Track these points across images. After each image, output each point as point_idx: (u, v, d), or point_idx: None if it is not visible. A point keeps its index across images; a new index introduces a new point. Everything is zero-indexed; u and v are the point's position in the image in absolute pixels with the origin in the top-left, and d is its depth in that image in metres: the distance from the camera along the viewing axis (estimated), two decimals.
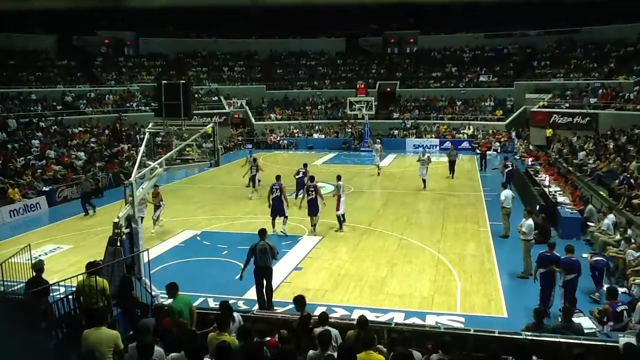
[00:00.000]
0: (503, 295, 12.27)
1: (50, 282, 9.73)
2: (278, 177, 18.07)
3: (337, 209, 17.68)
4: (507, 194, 16.75)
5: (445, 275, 13.58)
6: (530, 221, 13.55)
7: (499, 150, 36.88)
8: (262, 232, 11.76)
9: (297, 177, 21.38)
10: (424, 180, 24.87)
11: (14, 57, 39.41)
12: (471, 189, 23.97)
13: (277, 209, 17.25)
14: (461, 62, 48.26)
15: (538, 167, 26.00)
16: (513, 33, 47.63)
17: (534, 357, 7.07)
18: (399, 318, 10.87)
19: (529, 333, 8.32)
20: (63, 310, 8.58)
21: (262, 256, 11.39)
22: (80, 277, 8.98)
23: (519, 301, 11.48)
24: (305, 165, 21.95)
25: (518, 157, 33.23)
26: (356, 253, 14.64)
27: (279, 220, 17.31)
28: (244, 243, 16.28)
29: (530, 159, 28.89)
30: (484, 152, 30.61)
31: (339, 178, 18.32)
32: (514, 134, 38.59)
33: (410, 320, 10.72)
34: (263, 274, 11.50)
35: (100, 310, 7.33)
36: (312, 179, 18.27)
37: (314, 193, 17.16)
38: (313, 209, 17.29)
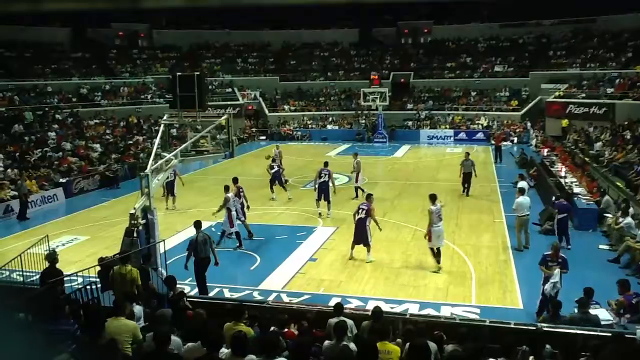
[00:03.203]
0: (519, 286, 12.22)
1: (68, 273, 9.88)
2: (326, 164, 18.84)
3: (356, 182, 20.67)
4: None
5: (460, 267, 13.54)
6: (520, 199, 14.74)
7: (514, 141, 36.54)
8: (198, 224, 11.93)
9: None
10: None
11: (30, 49, 39.73)
12: (486, 180, 23.78)
13: (325, 193, 18.10)
14: (476, 52, 47.88)
15: (554, 158, 25.77)
16: (528, 23, 47.13)
17: (547, 346, 7.06)
18: (413, 309, 10.88)
19: (545, 324, 8.29)
20: (81, 299, 8.69)
21: (203, 247, 11.58)
22: (115, 267, 9.16)
23: (535, 292, 11.39)
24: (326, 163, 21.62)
25: (534, 148, 32.93)
26: (371, 243, 14.60)
27: (323, 203, 18.24)
28: (258, 234, 16.47)
29: (546, 150, 28.62)
30: (499, 144, 30.30)
31: (356, 155, 21.18)
32: (529, 124, 38.25)
33: (425, 311, 10.72)
34: (205, 264, 11.65)
35: (119, 300, 7.40)
36: (325, 164, 18.87)
37: (327, 177, 17.97)
38: (326, 193, 18.02)
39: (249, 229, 16.13)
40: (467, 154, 22.07)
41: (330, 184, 18.21)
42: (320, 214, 18.50)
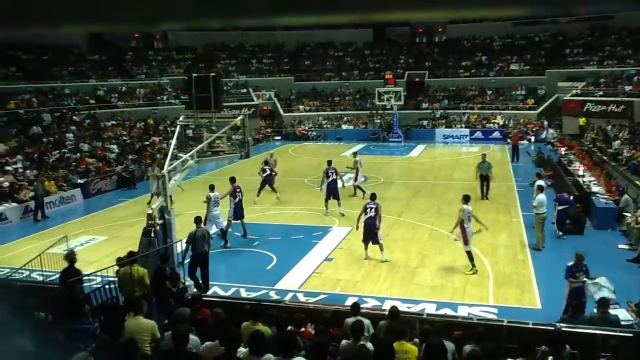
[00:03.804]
0: (537, 286, 12.13)
1: (86, 273, 9.99)
2: (330, 162, 18.86)
3: (355, 180, 20.97)
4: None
5: (477, 266, 13.44)
6: (540, 196, 14.61)
7: (531, 140, 36.19)
8: (198, 220, 12.16)
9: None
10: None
11: (47, 52, 40.17)
12: (503, 179, 23.59)
13: (334, 191, 18.31)
14: (491, 50, 47.53)
15: (571, 156, 25.52)
16: (543, 20, 46.64)
17: (567, 347, 7.00)
18: (430, 309, 10.84)
19: (564, 324, 8.22)
20: (100, 299, 8.79)
21: (201, 242, 11.73)
22: (122, 267, 9.24)
23: (553, 292, 11.30)
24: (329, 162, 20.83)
25: (551, 147, 32.62)
26: (386, 244, 14.57)
27: (332, 202, 18.38)
28: (274, 234, 16.56)
29: (563, 149, 28.34)
30: (516, 143, 30.03)
31: (355, 154, 21.76)
32: (546, 123, 37.88)
33: (442, 311, 10.68)
34: (201, 260, 11.80)
35: (137, 300, 7.46)
36: (329, 162, 18.91)
37: (334, 174, 18.18)
38: (335, 192, 18.27)
39: (245, 228, 16.32)
40: (484, 155, 21.16)
41: (339, 182, 18.45)
42: (327, 213, 18.49)
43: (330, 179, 18.28)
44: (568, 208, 16.00)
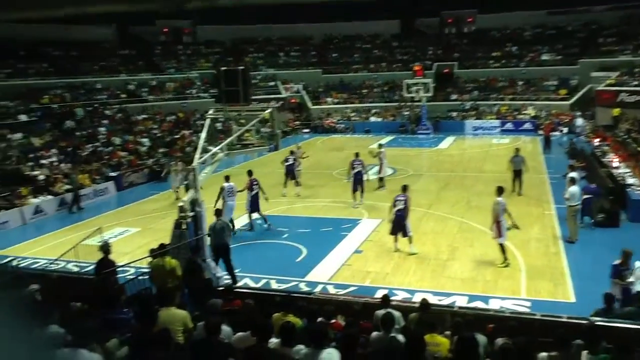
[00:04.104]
0: (570, 279, 11.92)
1: (120, 264, 10.17)
2: (357, 154, 18.96)
3: (380, 172, 21.11)
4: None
5: (509, 260, 13.27)
6: (573, 188, 14.38)
7: (564, 131, 35.44)
8: (218, 212, 12.38)
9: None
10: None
11: (78, 48, 40.86)
12: (534, 170, 23.16)
13: (360, 183, 18.47)
14: (522, 40, 46.67)
15: (605, 148, 24.95)
16: (576, 9, 45.60)
17: (603, 342, 6.87)
18: (461, 301, 10.77)
19: (599, 318, 8.07)
20: (134, 289, 8.94)
21: (220, 234, 11.78)
22: (154, 259, 9.37)
23: (587, 286, 11.11)
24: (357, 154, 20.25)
25: (584, 138, 31.94)
26: (416, 236, 14.50)
27: (358, 193, 18.53)
28: (304, 226, 16.60)
29: (596, 140, 27.73)
30: (548, 135, 29.49)
31: (380, 146, 21.61)
32: (579, 114, 37.06)
33: (473, 304, 10.58)
34: (222, 251, 11.83)
35: (170, 291, 7.57)
36: (357, 154, 18.98)
37: (360, 166, 18.32)
38: (361, 184, 18.38)
39: (265, 219, 16.57)
40: (517, 149, 20.32)
41: (364, 173, 18.51)
42: (356, 205, 18.61)
43: (356, 170, 18.31)
44: (592, 198, 15.77)
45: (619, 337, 7.31)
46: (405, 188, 14.23)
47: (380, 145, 22.24)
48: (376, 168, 21.47)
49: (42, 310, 6.47)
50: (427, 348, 6.42)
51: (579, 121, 34.93)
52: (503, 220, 12.81)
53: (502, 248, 12.95)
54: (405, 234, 13.85)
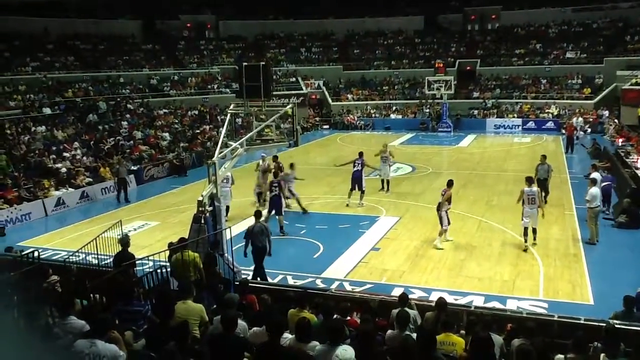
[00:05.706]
0: (589, 281, 11.77)
1: (139, 257, 10.28)
2: (361, 154, 18.79)
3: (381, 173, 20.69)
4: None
5: (527, 260, 13.16)
6: (593, 189, 14.28)
7: (587, 131, 34.90)
8: (258, 214, 12.12)
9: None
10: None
11: (103, 42, 41.38)
12: (556, 170, 22.80)
13: (358, 182, 18.17)
14: (546, 38, 46.06)
15: (629, 148, 24.53)
16: (603, 6, 44.82)
17: (621, 345, 6.78)
18: (478, 301, 10.68)
19: (618, 321, 7.96)
20: (152, 282, 9.03)
21: (259, 237, 11.69)
22: (174, 254, 9.46)
23: (606, 288, 10.96)
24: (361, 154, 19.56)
25: (608, 138, 31.44)
26: (434, 235, 14.45)
27: (356, 192, 18.32)
28: (321, 223, 16.63)
29: (621, 140, 27.28)
30: (571, 134, 29.05)
31: (384, 146, 20.91)
32: (606, 113, 36.47)
33: (490, 304, 10.49)
34: (257, 254, 11.74)
35: (187, 285, 7.63)
36: (360, 154, 18.85)
37: (359, 166, 18.25)
38: (359, 183, 18.23)
39: (282, 227, 15.87)
40: (544, 157, 18.44)
41: (363, 174, 18.33)
42: (348, 205, 18.47)
43: (355, 169, 18.25)
44: (610, 185, 17.07)
45: (639, 340, 7.21)
46: (450, 183, 14.61)
47: (385, 145, 21.20)
48: (397, 165, 21.27)
49: (62, 301, 6.56)
50: (442, 347, 6.42)
51: (606, 113, 34.54)
52: (526, 207, 13.63)
53: (525, 231, 13.83)
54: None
